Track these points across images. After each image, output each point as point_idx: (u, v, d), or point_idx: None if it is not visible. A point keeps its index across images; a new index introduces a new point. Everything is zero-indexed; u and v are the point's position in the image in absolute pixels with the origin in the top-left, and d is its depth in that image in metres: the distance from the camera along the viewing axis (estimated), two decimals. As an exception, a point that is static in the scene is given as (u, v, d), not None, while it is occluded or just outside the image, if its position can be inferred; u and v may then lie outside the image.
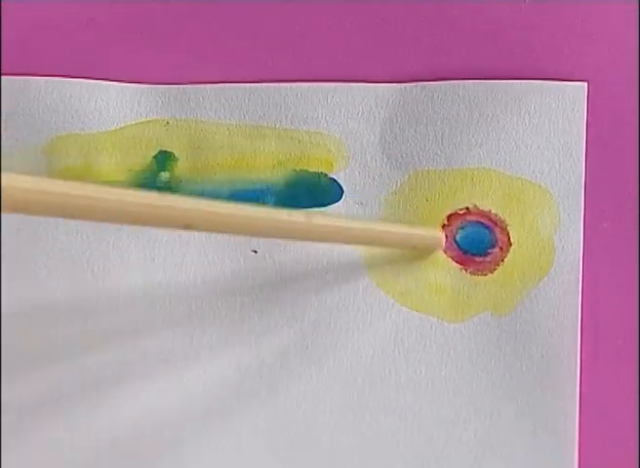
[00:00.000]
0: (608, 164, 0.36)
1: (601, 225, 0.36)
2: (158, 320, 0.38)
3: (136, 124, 0.38)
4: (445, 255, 0.37)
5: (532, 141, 0.36)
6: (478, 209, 0.37)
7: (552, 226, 0.36)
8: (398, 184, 0.37)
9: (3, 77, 0.38)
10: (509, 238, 0.36)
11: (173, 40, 0.38)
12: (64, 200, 0.25)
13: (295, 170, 0.38)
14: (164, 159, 0.38)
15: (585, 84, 0.37)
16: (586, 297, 0.36)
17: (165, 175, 0.38)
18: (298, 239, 0.34)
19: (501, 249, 0.36)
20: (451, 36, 0.37)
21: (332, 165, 0.37)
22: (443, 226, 0.37)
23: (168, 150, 0.38)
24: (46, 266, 0.38)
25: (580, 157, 0.36)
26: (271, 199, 0.38)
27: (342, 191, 0.37)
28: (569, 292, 0.36)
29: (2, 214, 0.37)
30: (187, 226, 0.28)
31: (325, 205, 0.37)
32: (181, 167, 0.38)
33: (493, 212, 0.36)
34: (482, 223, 0.36)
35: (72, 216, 0.25)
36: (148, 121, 0.38)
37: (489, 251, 0.36)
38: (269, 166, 0.38)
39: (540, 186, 0.36)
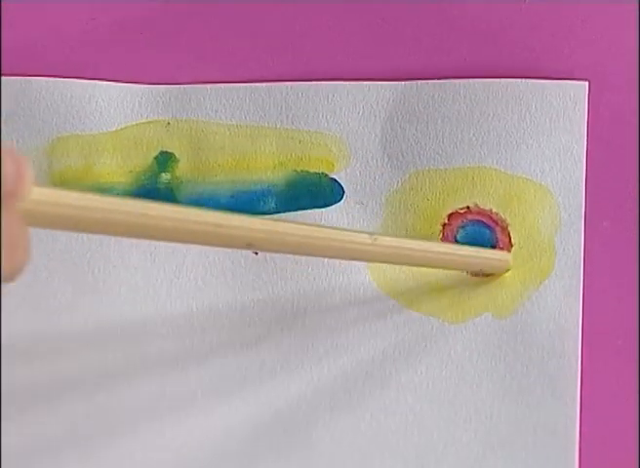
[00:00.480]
0: (608, 163, 0.37)
1: (601, 224, 0.36)
2: (159, 321, 0.38)
3: (137, 124, 0.39)
4: (446, 256, 0.37)
5: (532, 140, 0.37)
6: (479, 207, 0.37)
7: (553, 227, 0.36)
8: (399, 184, 0.37)
9: (4, 77, 0.38)
10: (510, 239, 0.37)
11: (173, 40, 0.39)
12: (118, 217, 0.25)
13: (295, 170, 0.38)
14: (165, 160, 0.38)
15: (586, 83, 0.37)
16: (586, 298, 0.36)
17: (166, 177, 0.38)
18: (361, 260, 0.35)
19: (502, 250, 0.37)
20: (451, 36, 0.38)
21: (332, 165, 0.38)
22: (443, 225, 0.37)
23: (169, 151, 0.38)
24: (47, 268, 0.38)
25: (581, 156, 0.37)
26: (272, 200, 0.38)
27: (343, 191, 0.38)
28: (570, 295, 0.36)
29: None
30: (249, 245, 0.28)
31: (326, 205, 0.38)
32: (182, 168, 0.38)
33: (494, 211, 0.37)
34: (483, 222, 0.37)
35: (126, 235, 0.27)
36: (149, 122, 0.39)
37: (490, 252, 0.37)
38: (270, 166, 0.38)
39: (540, 185, 0.37)
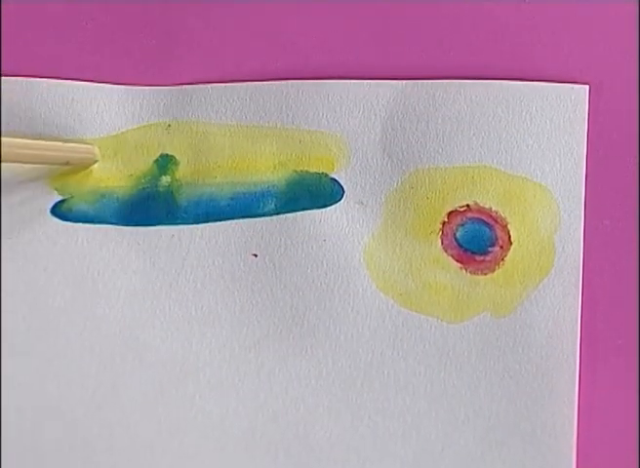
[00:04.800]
0: (609, 164, 0.37)
1: (601, 223, 0.37)
2: (158, 325, 0.38)
3: (137, 128, 0.39)
4: (445, 254, 0.37)
5: (533, 141, 0.37)
6: (479, 206, 0.37)
7: (553, 226, 0.37)
8: (399, 182, 0.38)
9: (5, 78, 0.39)
10: (510, 236, 0.37)
11: (172, 40, 0.39)
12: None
13: (295, 170, 0.38)
14: (165, 163, 0.39)
15: (587, 87, 0.38)
16: (586, 297, 0.37)
17: (166, 180, 0.39)
18: None
19: (502, 247, 0.37)
20: (451, 36, 0.38)
21: (333, 164, 0.38)
22: (443, 223, 0.38)
23: (169, 154, 0.39)
24: (46, 271, 0.39)
25: (582, 158, 0.37)
26: (272, 201, 0.38)
27: (343, 191, 0.38)
28: (569, 294, 0.37)
29: (2, 219, 0.38)
30: None
31: (326, 205, 0.38)
32: (182, 170, 0.39)
33: (493, 209, 0.37)
34: (482, 220, 0.37)
35: None
36: (150, 124, 0.39)
37: (489, 249, 0.37)
38: (270, 167, 0.39)
39: (540, 185, 0.37)
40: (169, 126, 0.39)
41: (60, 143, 0.38)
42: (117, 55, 0.40)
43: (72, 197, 0.39)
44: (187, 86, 0.39)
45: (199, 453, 0.37)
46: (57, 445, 0.38)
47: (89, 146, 0.39)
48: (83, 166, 0.39)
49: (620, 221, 0.37)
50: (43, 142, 0.37)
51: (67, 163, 0.38)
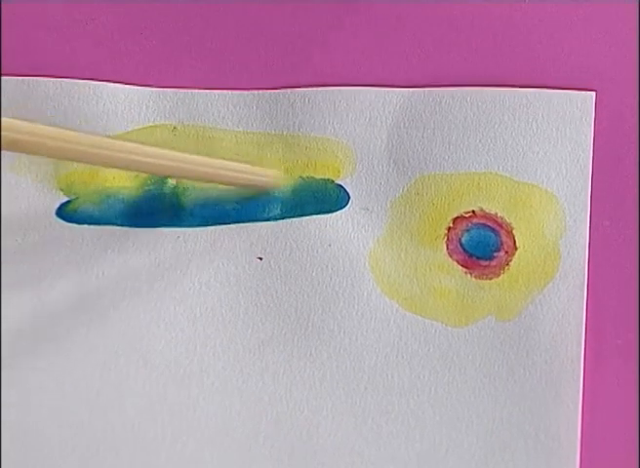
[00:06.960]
0: (614, 170, 0.38)
1: (607, 229, 0.37)
2: (162, 326, 0.39)
3: (143, 128, 0.39)
4: (450, 259, 0.38)
5: (539, 148, 0.38)
6: (484, 212, 0.38)
7: (558, 231, 0.37)
8: (404, 189, 0.38)
9: (12, 78, 0.39)
10: (515, 241, 0.38)
11: (174, 42, 0.40)
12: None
13: (301, 177, 0.39)
14: (171, 165, 0.39)
15: (593, 93, 0.38)
16: (591, 302, 0.37)
17: (172, 182, 0.39)
18: (117, 166, 0.35)
19: (507, 252, 0.38)
20: (459, 43, 0.39)
21: (339, 171, 0.39)
22: (448, 229, 0.38)
23: None
24: (50, 271, 0.39)
25: (587, 165, 0.38)
26: (277, 206, 0.39)
27: (349, 197, 0.39)
28: (574, 299, 0.37)
29: (7, 219, 0.38)
30: None
31: (331, 211, 0.39)
32: (189, 173, 0.39)
33: (499, 215, 0.38)
34: (488, 226, 0.38)
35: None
36: (156, 126, 0.39)
37: (494, 254, 0.38)
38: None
39: (546, 191, 0.38)
40: (175, 128, 0.39)
41: (247, 166, 0.38)
42: (116, 57, 0.40)
43: (78, 198, 0.39)
44: (194, 90, 0.39)
45: (202, 456, 0.38)
46: (60, 446, 0.38)
47: (273, 171, 0.39)
48: (264, 190, 0.39)
49: (625, 227, 0.37)
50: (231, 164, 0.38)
51: (249, 186, 0.38)
